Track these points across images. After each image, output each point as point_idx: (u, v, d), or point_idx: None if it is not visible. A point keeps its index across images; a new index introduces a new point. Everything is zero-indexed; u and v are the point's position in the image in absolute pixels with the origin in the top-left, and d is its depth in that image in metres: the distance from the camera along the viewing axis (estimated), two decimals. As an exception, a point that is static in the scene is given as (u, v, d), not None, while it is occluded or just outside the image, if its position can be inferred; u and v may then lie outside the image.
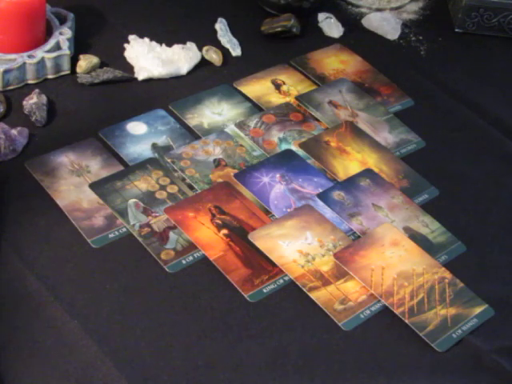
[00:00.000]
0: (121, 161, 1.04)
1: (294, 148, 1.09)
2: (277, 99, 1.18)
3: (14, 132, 1.03)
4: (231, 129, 1.11)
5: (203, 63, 1.22)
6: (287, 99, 1.18)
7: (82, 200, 0.98)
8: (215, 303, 0.89)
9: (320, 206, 1.01)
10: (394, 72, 1.25)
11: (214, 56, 1.22)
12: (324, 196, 1.03)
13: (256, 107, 1.16)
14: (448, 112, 1.20)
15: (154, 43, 1.20)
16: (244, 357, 0.85)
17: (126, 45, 1.21)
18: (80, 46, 1.19)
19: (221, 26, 1.28)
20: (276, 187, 1.03)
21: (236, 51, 1.25)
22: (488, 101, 1.23)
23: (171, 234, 0.96)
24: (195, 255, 0.94)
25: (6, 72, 1.10)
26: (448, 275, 0.94)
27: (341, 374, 0.84)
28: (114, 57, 1.20)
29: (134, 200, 0.99)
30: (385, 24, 1.34)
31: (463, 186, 1.09)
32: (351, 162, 1.09)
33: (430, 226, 1.01)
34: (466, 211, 1.05)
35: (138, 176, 1.02)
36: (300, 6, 1.33)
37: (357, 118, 1.16)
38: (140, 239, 0.95)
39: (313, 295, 0.91)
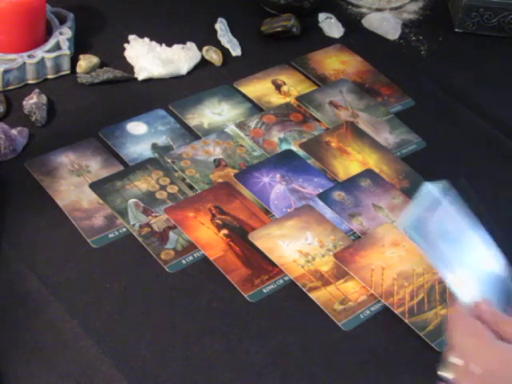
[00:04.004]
0: (121, 161, 1.04)
1: (295, 148, 1.09)
2: (277, 99, 1.18)
3: (13, 132, 1.03)
4: (231, 129, 1.11)
5: (203, 63, 1.22)
6: (287, 99, 1.18)
7: (81, 200, 0.98)
8: (215, 303, 0.89)
9: (320, 206, 1.01)
10: (394, 72, 1.25)
11: (214, 56, 1.22)
12: (324, 196, 1.03)
13: (256, 107, 1.16)
14: (448, 112, 1.20)
15: (154, 43, 1.20)
16: (244, 357, 0.85)
17: (126, 45, 1.21)
18: (80, 46, 1.19)
19: (221, 26, 1.28)
20: (276, 187, 1.03)
21: (236, 51, 1.25)
22: (488, 101, 1.23)
23: (171, 234, 0.96)
24: (195, 255, 0.94)
25: (5, 72, 1.10)
26: (448, 275, 0.94)
27: (341, 374, 0.84)
28: (114, 57, 1.20)
29: (134, 200, 0.99)
30: (385, 24, 1.34)
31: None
32: (352, 162, 1.08)
33: (430, 226, 1.00)
34: (466, 211, 1.05)
35: (138, 176, 1.02)
36: (300, 6, 1.33)
37: (357, 119, 1.16)
38: (140, 239, 0.95)
39: (313, 295, 0.91)
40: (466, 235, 0.72)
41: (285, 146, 1.10)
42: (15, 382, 0.80)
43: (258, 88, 1.19)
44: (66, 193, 0.99)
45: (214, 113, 1.14)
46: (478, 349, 0.68)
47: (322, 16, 1.34)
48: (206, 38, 1.26)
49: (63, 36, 1.16)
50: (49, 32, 1.17)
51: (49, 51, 1.13)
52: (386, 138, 1.13)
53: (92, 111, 1.11)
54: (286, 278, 0.92)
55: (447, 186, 0.72)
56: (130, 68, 1.19)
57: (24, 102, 1.09)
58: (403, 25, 1.37)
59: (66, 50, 1.14)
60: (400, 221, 0.82)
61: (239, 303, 0.89)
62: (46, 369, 0.81)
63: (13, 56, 1.11)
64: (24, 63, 1.11)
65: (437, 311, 0.90)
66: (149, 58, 1.17)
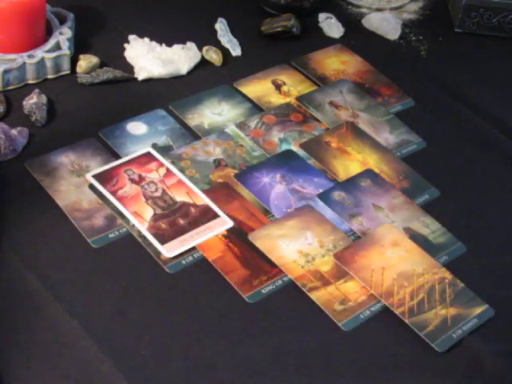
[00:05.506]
0: (121, 161, 1.04)
1: (295, 148, 1.09)
2: (277, 99, 1.18)
3: (13, 132, 1.03)
4: (231, 129, 1.11)
5: (203, 63, 1.22)
6: (287, 99, 1.18)
7: (81, 200, 0.98)
8: (215, 303, 0.89)
9: (320, 206, 1.01)
10: (394, 72, 1.25)
11: (214, 56, 1.22)
12: (324, 196, 1.03)
13: (256, 107, 1.16)
14: (448, 112, 1.20)
15: (154, 43, 1.20)
16: (244, 357, 0.85)
17: (126, 45, 1.21)
18: (80, 46, 1.19)
19: (221, 26, 1.28)
20: (276, 187, 1.03)
21: (236, 51, 1.25)
22: (488, 101, 1.23)
23: (171, 234, 0.96)
24: (195, 255, 0.94)
25: (5, 72, 1.10)
26: (448, 275, 0.94)
27: (341, 374, 0.84)
28: (114, 57, 1.20)
29: (134, 200, 0.99)
30: (385, 24, 1.34)
31: (464, 186, 1.08)
32: (352, 162, 1.08)
33: (430, 227, 1.01)
34: (466, 212, 1.05)
35: (138, 176, 1.02)
36: (300, 6, 1.33)
37: (357, 119, 1.16)
38: (140, 239, 0.95)
39: (313, 295, 0.91)
40: None
41: (285, 146, 1.10)
42: (15, 382, 0.80)
43: (258, 88, 1.19)
44: (66, 193, 0.99)
45: (214, 113, 1.14)
46: None
47: (322, 16, 1.34)
48: (206, 37, 1.26)
49: (63, 36, 1.16)
50: (49, 32, 1.17)
51: (49, 51, 1.13)
52: (386, 138, 1.13)
53: (92, 111, 1.11)
54: (284, 279, 0.92)
55: None
56: (130, 68, 1.19)
57: (24, 102, 1.09)
58: (403, 25, 1.37)
59: (66, 49, 1.15)
60: None
61: (238, 304, 0.89)
62: (46, 369, 0.81)
63: (13, 56, 1.11)
64: (24, 63, 1.11)
65: (437, 311, 0.90)
66: (149, 58, 1.17)
